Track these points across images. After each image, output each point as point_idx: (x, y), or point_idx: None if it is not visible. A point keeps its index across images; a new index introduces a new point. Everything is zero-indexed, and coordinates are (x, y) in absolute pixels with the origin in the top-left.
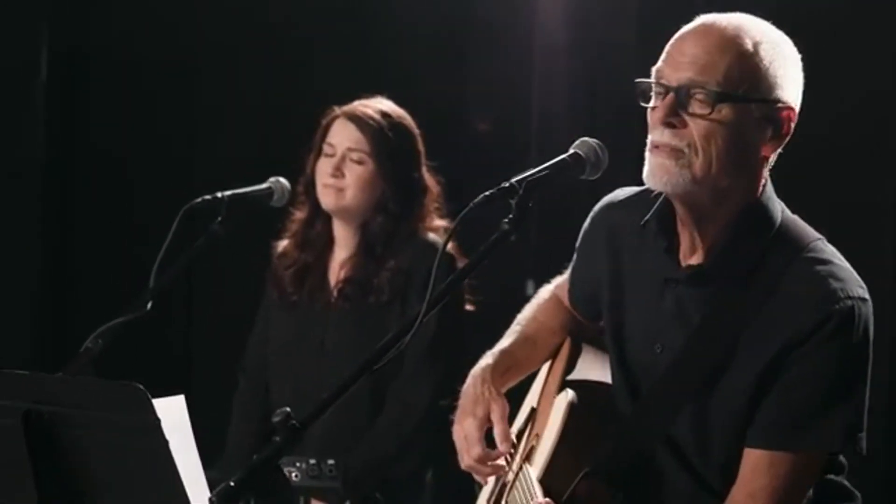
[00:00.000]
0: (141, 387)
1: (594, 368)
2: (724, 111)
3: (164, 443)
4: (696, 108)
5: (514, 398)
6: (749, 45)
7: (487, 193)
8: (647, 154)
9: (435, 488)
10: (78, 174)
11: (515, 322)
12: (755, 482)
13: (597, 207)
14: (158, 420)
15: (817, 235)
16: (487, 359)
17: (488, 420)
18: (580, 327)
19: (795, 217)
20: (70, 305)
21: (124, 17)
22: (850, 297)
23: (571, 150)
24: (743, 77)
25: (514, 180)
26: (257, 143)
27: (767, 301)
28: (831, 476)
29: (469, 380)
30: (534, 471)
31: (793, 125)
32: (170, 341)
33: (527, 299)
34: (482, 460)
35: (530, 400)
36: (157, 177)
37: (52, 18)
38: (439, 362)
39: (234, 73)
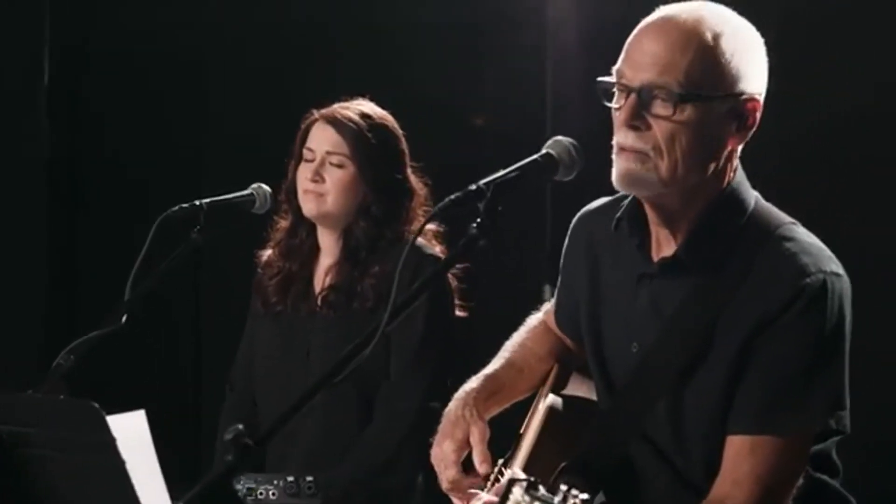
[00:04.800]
0: (95, 405)
1: (581, 392)
2: (687, 111)
3: (120, 461)
4: (658, 109)
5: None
6: (709, 39)
7: (453, 197)
8: (613, 157)
9: (426, 493)
10: (83, 173)
11: (503, 349)
12: (739, 469)
13: (574, 220)
14: (113, 438)
15: (790, 219)
16: (471, 383)
17: (467, 443)
18: (570, 356)
19: (770, 205)
20: (77, 309)
21: (127, 15)
22: (821, 271)
23: (543, 150)
24: (705, 75)
25: (481, 183)
26: (266, 143)
27: (739, 286)
28: (826, 478)
29: (451, 403)
30: (515, 467)
31: (758, 115)
32: (176, 354)
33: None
34: (457, 484)
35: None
36: (162, 175)
37: (55, 16)
38: (427, 368)
39: (241, 70)
